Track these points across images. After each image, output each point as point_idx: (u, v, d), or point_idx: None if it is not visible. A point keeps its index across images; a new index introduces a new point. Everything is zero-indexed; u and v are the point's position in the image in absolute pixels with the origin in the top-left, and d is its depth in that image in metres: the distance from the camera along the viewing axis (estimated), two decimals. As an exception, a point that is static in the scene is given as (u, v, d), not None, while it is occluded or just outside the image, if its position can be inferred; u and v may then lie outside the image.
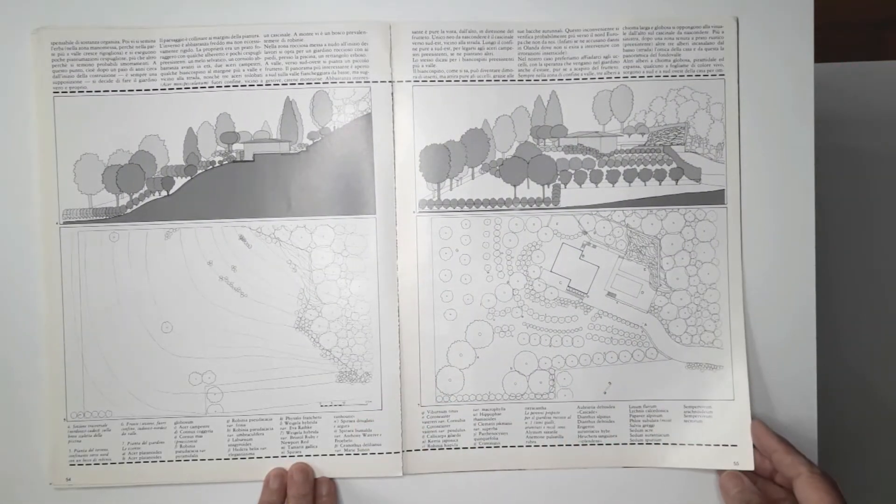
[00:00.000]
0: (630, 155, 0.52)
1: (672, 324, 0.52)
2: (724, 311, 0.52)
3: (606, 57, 0.52)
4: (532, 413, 0.52)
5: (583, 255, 0.52)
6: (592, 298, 0.52)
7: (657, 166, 0.52)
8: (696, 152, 0.52)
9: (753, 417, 0.52)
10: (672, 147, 0.52)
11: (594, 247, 0.52)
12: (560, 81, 0.52)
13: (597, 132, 0.52)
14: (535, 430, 0.52)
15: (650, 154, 0.52)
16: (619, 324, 0.52)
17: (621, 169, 0.52)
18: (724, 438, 0.51)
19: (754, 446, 0.51)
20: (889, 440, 0.66)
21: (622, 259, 0.52)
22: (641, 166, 0.52)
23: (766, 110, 0.52)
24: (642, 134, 0.52)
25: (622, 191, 0.52)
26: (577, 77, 0.52)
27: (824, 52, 0.54)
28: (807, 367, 0.52)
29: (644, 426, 0.52)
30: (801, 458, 0.48)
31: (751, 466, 0.51)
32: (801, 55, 0.52)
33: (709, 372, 0.52)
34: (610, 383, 0.52)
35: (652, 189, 0.52)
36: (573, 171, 0.52)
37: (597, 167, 0.52)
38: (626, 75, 0.52)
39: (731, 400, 0.52)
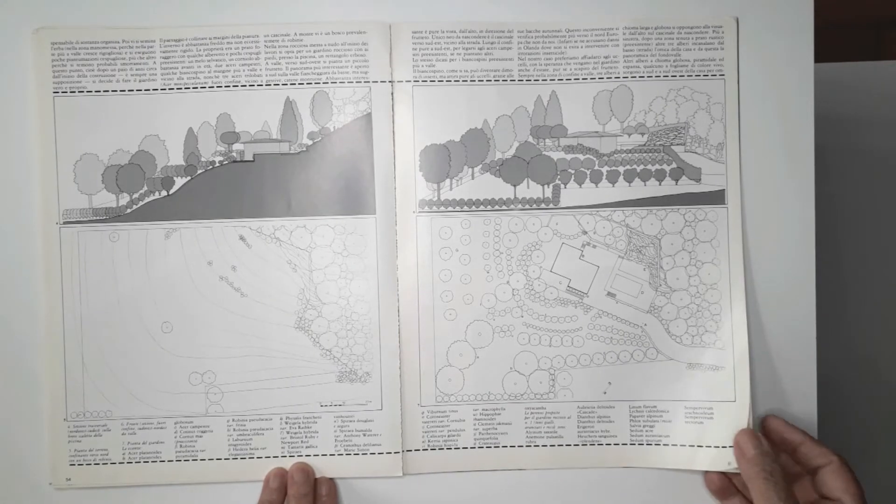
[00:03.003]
0: (630, 155, 0.52)
1: (672, 324, 0.52)
2: (725, 311, 0.52)
3: (606, 57, 0.52)
4: (532, 413, 0.52)
5: (583, 255, 0.52)
6: (592, 298, 0.52)
7: (657, 166, 0.52)
8: (696, 152, 0.52)
9: (763, 416, 0.51)
10: (672, 147, 0.52)
11: (594, 247, 0.52)
12: (560, 81, 0.52)
13: (597, 132, 0.52)
14: (534, 430, 0.52)
15: (650, 154, 0.52)
16: (618, 324, 0.52)
17: (621, 169, 0.52)
18: (724, 440, 0.51)
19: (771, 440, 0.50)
20: (891, 440, 0.66)
21: (622, 259, 0.52)
22: (641, 166, 0.52)
23: (766, 110, 0.52)
24: (642, 134, 0.52)
25: (622, 191, 0.52)
26: (577, 77, 0.52)
27: (824, 52, 0.54)
28: (807, 368, 0.52)
29: (644, 427, 0.52)
30: (829, 449, 0.48)
31: None
32: (801, 55, 0.52)
33: (710, 373, 0.52)
34: (610, 383, 0.52)
35: (652, 189, 0.52)
36: (573, 171, 0.52)
37: (597, 167, 0.52)
38: (626, 75, 0.52)
39: (732, 401, 0.51)
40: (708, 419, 0.51)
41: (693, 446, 0.51)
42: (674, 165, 0.52)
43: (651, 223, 0.52)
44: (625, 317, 0.52)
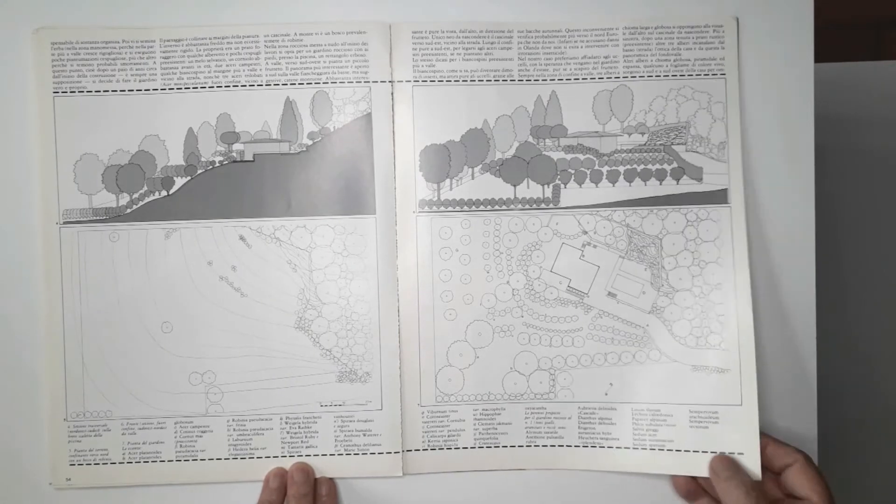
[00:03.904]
0: (630, 155, 0.52)
1: (676, 325, 0.52)
2: (731, 312, 0.51)
3: (606, 57, 0.52)
4: (532, 413, 0.52)
5: (583, 255, 0.52)
6: (593, 298, 0.52)
7: (658, 166, 0.52)
8: (697, 152, 0.52)
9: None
10: (673, 147, 0.52)
11: (594, 247, 0.52)
12: (560, 81, 0.52)
13: (597, 132, 0.52)
14: (535, 430, 0.52)
15: (650, 154, 0.52)
16: (619, 324, 0.52)
17: (621, 169, 0.52)
18: (730, 446, 0.50)
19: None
20: (891, 439, 0.66)
21: (623, 259, 0.52)
22: (642, 166, 0.52)
23: (766, 110, 0.52)
24: (642, 134, 0.52)
25: (622, 191, 0.52)
26: (577, 77, 0.52)
27: (824, 52, 0.54)
28: (807, 368, 0.52)
29: (648, 431, 0.51)
30: (793, 448, 0.49)
31: (758, 476, 0.49)
32: (801, 55, 0.52)
33: (716, 375, 0.51)
34: (611, 384, 0.52)
35: (652, 189, 0.52)
36: (573, 171, 0.52)
37: (597, 167, 0.52)
38: (626, 75, 0.52)
39: (738, 405, 0.51)
40: (713, 423, 0.51)
41: (698, 452, 0.51)
42: (674, 165, 0.52)
43: (652, 223, 0.52)
44: (626, 317, 0.52)
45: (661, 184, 0.52)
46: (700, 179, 0.52)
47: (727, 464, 0.49)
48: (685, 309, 0.52)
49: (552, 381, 0.52)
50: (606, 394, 0.52)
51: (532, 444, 0.52)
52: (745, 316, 0.51)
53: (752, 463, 0.50)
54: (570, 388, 0.52)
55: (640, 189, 0.52)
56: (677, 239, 0.52)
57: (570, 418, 0.52)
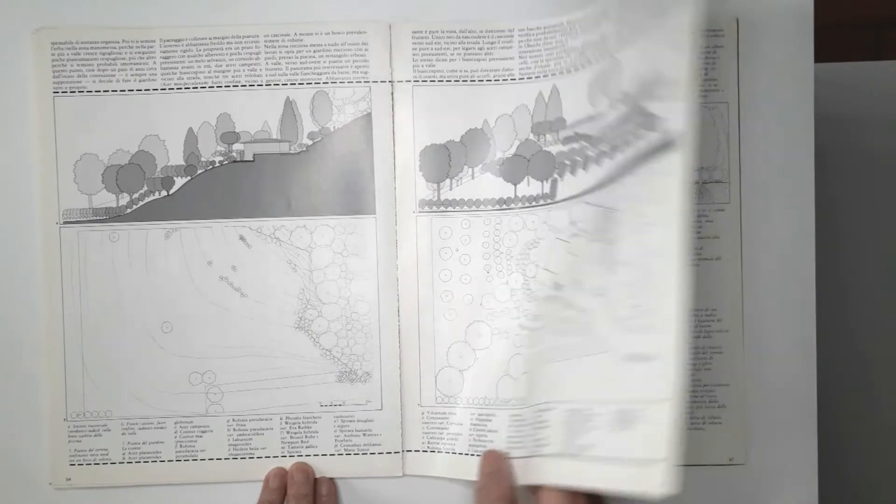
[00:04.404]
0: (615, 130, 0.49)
1: (618, 305, 0.44)
2: (669, 283, 0.40)
3: (602, 37, 0.49)
4: (515, 420, 0.49)
5: (570, 248, 0.50)
6: (567, 291, 0.48)
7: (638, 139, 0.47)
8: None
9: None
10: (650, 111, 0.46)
11: (578, 237, 0.49)
12: (560, 74, 0.51)
13: (590, 116, 0.51)
14: (514, 439, 0.49)
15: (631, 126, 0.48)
16: (576, 314, 0.46)
17: (607, 148, 0.49)
18: (652, 451, 0.39)
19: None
20: (891, 440, 0.66)
21: (595, 242, 0.47)
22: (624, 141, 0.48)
23: (766, 110, 0.52)
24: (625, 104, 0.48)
25: (605, 171, 0.47)
26: (576, 67, 0.51)
27: (824, 52, 0.54)
28: (807, 368, 0.52)
29: (574, 435, 0.44)
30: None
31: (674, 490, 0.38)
32: (801, 55, 0.51)
33: (644, 364, 0.41)
34: (556, 382, 0.47)
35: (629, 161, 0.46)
36: (569, 163, 0.51)
37: (589, 152, 0.51)
38: (617, 50, 0.48)
39: (667, 399, 0.39)
40: (641, 423, 0.41)
41: (619, 459, 0.41)
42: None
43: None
44: (582, 305, 0.46)
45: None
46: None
47: (490, 459, 0.48)
48: (628, 286, 0.43)
49: (530, 383, 0.49)
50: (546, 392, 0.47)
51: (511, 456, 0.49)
52: (678, 286, 0.40)
53: (665, 472, 0.38)
54: (546, 388, 0.47)
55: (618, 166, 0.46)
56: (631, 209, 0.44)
57: (549, 426, 0.46)
